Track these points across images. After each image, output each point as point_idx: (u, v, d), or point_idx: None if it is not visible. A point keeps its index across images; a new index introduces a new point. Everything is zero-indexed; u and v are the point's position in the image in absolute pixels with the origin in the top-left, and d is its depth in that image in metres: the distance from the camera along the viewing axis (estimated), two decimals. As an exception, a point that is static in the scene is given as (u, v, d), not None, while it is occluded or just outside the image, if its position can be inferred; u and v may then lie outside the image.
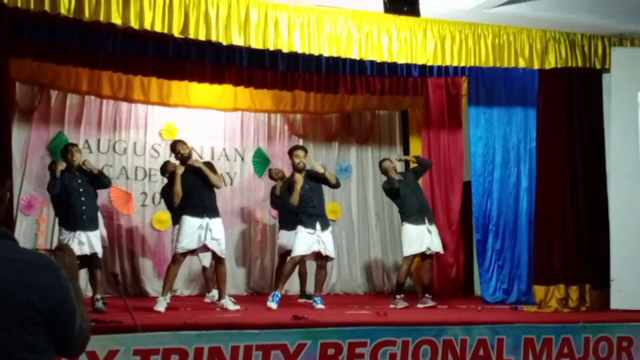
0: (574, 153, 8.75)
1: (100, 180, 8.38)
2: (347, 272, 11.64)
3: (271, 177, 10.45)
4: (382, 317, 7.16)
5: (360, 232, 11.81)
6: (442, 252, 9.41)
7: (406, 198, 9.25)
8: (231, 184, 11.20)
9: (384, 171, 9.44)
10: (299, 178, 8.64)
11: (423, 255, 9.22)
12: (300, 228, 8.67)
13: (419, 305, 8.90)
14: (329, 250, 8.68)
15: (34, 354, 2.25)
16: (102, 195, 10.01)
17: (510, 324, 6.72)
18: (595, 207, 8.66)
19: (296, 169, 8.80)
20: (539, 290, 8.64)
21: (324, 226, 8.72)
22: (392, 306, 8.80)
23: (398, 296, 8.99)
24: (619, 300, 8.20)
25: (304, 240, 8.59)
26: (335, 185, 9.10)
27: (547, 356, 6.46)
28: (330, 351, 5.85)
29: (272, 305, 8.29)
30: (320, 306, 8.44)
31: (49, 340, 2.31)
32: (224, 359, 5.55)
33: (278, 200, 9.80)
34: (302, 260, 8.85)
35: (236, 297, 10.26)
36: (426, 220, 9.14)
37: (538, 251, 8.88)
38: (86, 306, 2.55)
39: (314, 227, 8.61)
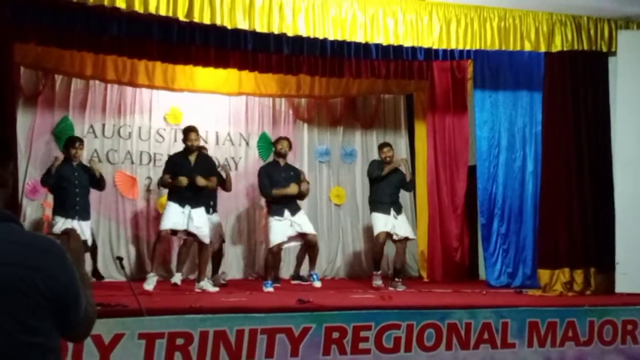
0: (580, 136, 8.72)
1: (98, 182, 8.96)
2: (352, 256, 11.65)
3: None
4: (387, 301, 7.15)
5: (365, 216, 11.77)
6: (411, 237, 9.57)
7: (379, 189, 9.37)
8: (236, 168, 11.18)
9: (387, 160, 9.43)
10: (294, 189, 8.91)
11: (396, 240, 9.36)
12: (270, 218, 8.92)
13: (390, 289, 8.99)
14: (304, 228, 8.86)
15: (38, 337, 2.25)
16: (107, 179, 10.07)
17: (515, 307, 6.71)
18: (600, 191, 8.64)
19: (277, 153, 9.16)
20: (544, 274, 8.64)
21: (293, 212, 8.90)
22: (373, 284, 9.12)
23: (375, 272, 9.32)
24: (623, 284, 8.20)
25: (276, 229, 8.78)
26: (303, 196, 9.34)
27: (552, 340, 6.46)
28: (335, 335, 5.85)
29: (269, 289, 8.53)
30: (317, 283, 8.73)
31: (53, 323, 2.31)
32: (229, 342, 5.56)
33: None
34: (280, 249, 8.98)
35: (241, 281, 10.36)
36: (392, 211, 9.29)
37: (543, 235, 8.87)
38: (92, 290, 2.55)
39: (282, 214, 8.80)
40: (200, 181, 8.42)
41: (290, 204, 8.93)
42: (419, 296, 8.38)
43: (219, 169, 9.80)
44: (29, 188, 9.83)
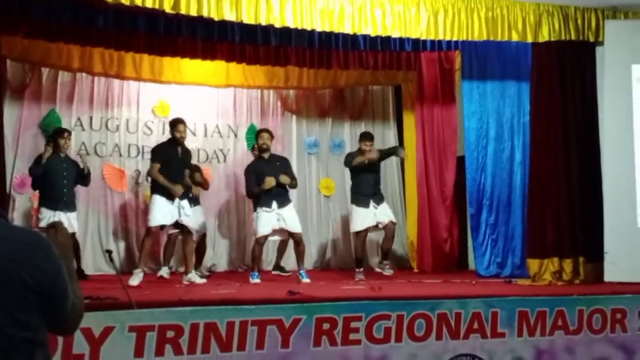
0: (568, 126, 8.75)
1: (85, 178, 9.02)
2: (342, 248, 11.65)
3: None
4: (377, 292, 7.18)
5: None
6: (394, 220, 9.42)
7: (360, 180, 9.34)
8: (224, 160, 11.18)
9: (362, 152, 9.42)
10: (271, 182, 8.79)
11: (383, 226, 9.31)
12: (258, 209, 8.87)
13: (377, 269, 9.16)
14: (289, 225, 8.85)
15: (26, 331, 2.25)
16: (96, 172, 10.05)
17: (505, 297, 6.74)
18: (588, 181, 8.67)
19: (260, 149, 9.13)
20: (533, 264, 8.67)
21: (281, 204, 8.87)
22: (356, 279, 9.04)
23: (357, 270, 9.22)
24: (612, 273, 8.24)
25: (264, 221, 8.78)
26: (292, 186, 9.25)
27: (541, 329, 6.48)
28: (326, 326, 5.86)
29: (256, 280, 8.58)
30: (305, 280, 8.67)
31: (41, 317, 2.30)
32: (220, 334, 5.56)
33: None
34: (266, 239, 8.98)
35: (231, 273, 10.36)
36: (371, 202, 9.23)
37: (532, 225, 8.90)
38: (79, 283, 2.55)
39: (270, 206, 8.79)
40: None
41: (279, 195, 8.90)
42: (409, 287, 8.40)
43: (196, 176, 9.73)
44: (17, 182, 9.79)
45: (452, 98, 10.79)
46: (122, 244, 10.45)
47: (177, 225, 8.57)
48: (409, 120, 11.38)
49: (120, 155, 10.65)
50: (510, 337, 6.40)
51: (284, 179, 8.89)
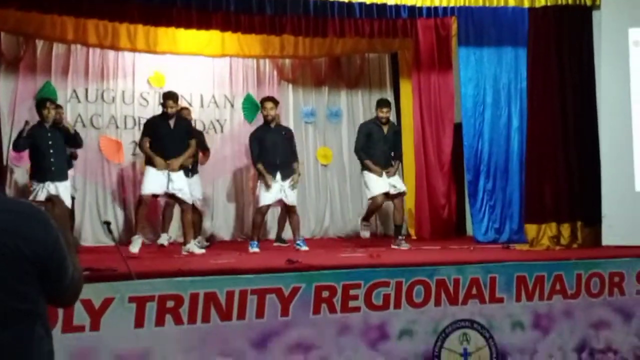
0: (565, 91, 8.73)
1: (74, 139, 8.76)
2: (340, 216, 11.68)
3: None
4: (376, 259, 7.20)
5: (352, 176, 11.79)
6: (404, 191, 9.38)
7: (374, 149, 9.25)
8: (221, 131, 11.16)
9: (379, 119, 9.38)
10: (271, 180, 8.78)
11: (392, 196, 9.23)
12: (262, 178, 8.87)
13: (393, 247, 8.96)
14: (289, 199, 8.88)
15: (26, 303, 2.26)
16: (92, 144, 10.04)
17: (503, 262, 6.76)
18: (586, 145, 8.68)
19: (265, 120, 9.09)
20: (531, 229, 8.70)
21: (285, 176, 8.87)
22: (361, 235, 9.25)
23: (365, 223, 9.36)
24: (610, 236, 8.27)
25: (267, 191, 8.75)
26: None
27: (540, 293, 6.51)
28: (325, 294, 5.88)
29: (255, 249, 8.59)
30: (304, 248, 8.69)
31: (40, 289, 2.31)
32: (220, 303, 5.59)
33: None
34: (268, 209, 9.06)
35: (230, 243, 10.39)
36: (384, 173, 9.14)
37: (529, 190, 8.92)
38: (78, 256, 2.55)
39: (274, 177, 8.80)
40: (175, 165, 8.42)
41: (284, 168, 8.91)
42: (407, 253, 8.42)
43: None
44: (13, 154, 9.76)
45: (448, 65, 10.74)
46: (120, 215, 10.47)
47: (170, 195, 8.57)
48: (406, 88, 11.35)
49: (117, 127, 10.62)
50: (509, 302, 6.44)
51: (295, 177, 9.01)
